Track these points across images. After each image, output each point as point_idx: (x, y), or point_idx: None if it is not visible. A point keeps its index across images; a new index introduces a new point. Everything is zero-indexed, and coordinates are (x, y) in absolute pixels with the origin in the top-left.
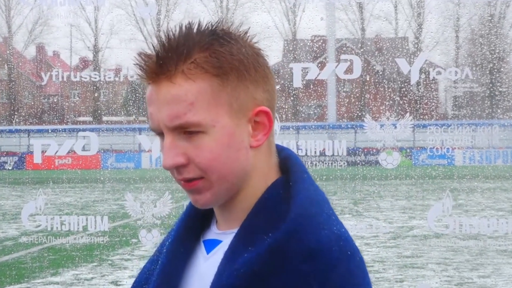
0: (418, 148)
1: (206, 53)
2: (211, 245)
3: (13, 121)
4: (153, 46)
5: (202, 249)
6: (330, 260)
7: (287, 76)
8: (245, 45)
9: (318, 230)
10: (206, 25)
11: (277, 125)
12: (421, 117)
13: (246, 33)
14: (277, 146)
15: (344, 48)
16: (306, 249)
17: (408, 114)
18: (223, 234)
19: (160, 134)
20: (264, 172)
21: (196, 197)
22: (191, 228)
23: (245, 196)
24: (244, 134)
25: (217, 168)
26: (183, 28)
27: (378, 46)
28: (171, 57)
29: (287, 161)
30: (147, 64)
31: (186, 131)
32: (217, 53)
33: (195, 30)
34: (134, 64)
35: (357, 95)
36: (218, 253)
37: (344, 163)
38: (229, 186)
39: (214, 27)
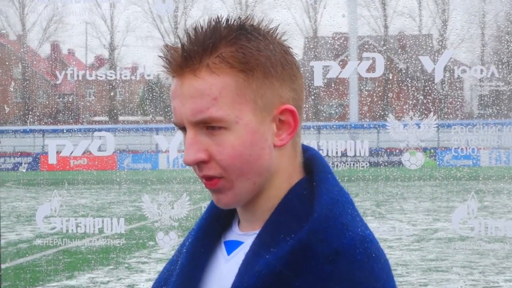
0: (443, 149)
1: (232, 48)
2: (233, 246)
3: (27, 121)
4: (179, 39)
5: (223, 250)
6: (354, 261)
7: (307, 74)
8: (273, 42)
9: (342, 231)
10: (234, 19)
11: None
12: (446, 116)
13: (275, 29)
14: (302, 146)
15: (366, 46)
16: (330, 250)
17: (432, 113)
18: (245, 235)
19: (183, 129)
20: (288, 173)
21: (219, 197)
22: (212, 229)
23: (268, 197)
24: (268, 132)
25: (238, 167)
26: (211, 21)
27: (401, 43)
28: (196, 50)
29: (312, 161)
30: (172, 57)
31: (209, 126)
32: (244, 48)
33: (223, 24)
34: (159, 56)
35: (380, 94)
36: (240, 255)
37: (366, 164)
38: (251, 186)
39: (242, 22)
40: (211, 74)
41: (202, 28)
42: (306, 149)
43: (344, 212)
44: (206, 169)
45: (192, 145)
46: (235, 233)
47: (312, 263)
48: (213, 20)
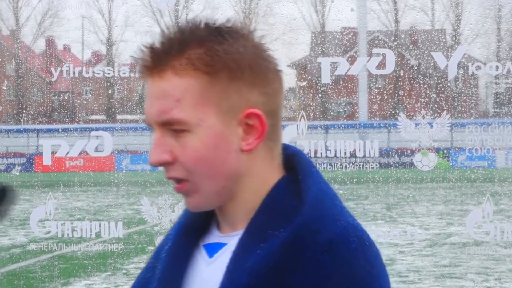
0: (456, 149)
1: (201, 50)
2: (214, 248)
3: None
4: (149, 44)
5: (202, 253)
6: (349, 249)
7: (314, 71)
8: (247, 45)
9: (335, 221)
10: (211, 22)
11: (304, 124)
12: (459, 115)
13: (253, 33)
14: (282, 145)
15: (376, 41)
16: (325, 240)
17: (445, 112)
18: (227, 237)
19: (153, 130)
20: (263, 176)
21: (187, 200)
22: (190, 233)
23: (245, 200)
24: (233, 136)
25: (203, 170)
26: (185, 23)
27: (413, 38)
28: (163, 51)
29: (293, 159)
30: (142, 58)
31: (173, 128)
32: (212, 51)
33: (200, 26)
34: (133, 57)
35: (390, 91)
36: (224, 256)
37: (376, 165)
38: (219, 189)
39: (218, 24)
40: (175, 75)
41: (173, 29)
42: (285, 148)
43: (333, 204)
44: (172, 171)
45: (158, 146)
46: (215, 236)
47: (307, 254)
48: (188, 21)
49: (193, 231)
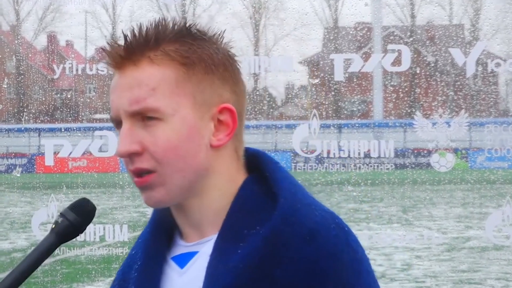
0: (475, 149)
1: (176, 44)
2: (184, 259)
3: (22, 119)
4: (123, 34)
5: (172, 266)
6: (330, 236)
7: (327, 68)
8: (218, 45)
9: (311, 211)
10: (180, 21)
11: (316, 123)
12: (478, 114)
13: (220, 34)
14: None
15: (392, 37)
16: (305, 231)
17: (463, 110)
18: (197, 245)
19: (118, 125)
20: (229, 175)
21: (149, 194)
22: (157, 247)
23: (213, 197)
24: (205, 130)
25: (173, 160)
26: (158, 21)
27: (429, 34)
28: (138, 42)
29: (256, 158)
30: (114, 50)
31: (145, 117)
32: (187, 44)
33: (169, 24)
34: (102, 49)
35: (406, 89)
36: (198, 263)
37: (391, 166)
38: (184, 184)
39: (188, 24)
40: (152, 65)
41: (146, 25)
42: (245, 150)
43: (306, 195)
44: (138, 162)
45: (127, 136)
46: (182, 247)
47: (290, 248)
48: (160, 19)
49: (158, 246)
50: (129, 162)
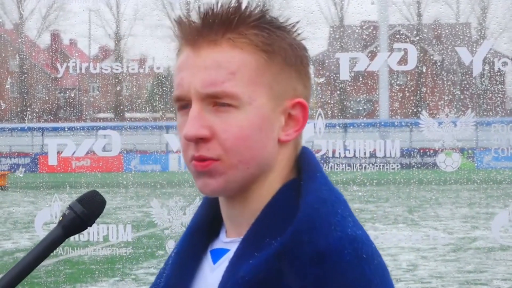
0: (482, 149)
1: (255, 30)
2: (219, 254)
3: (25, 118)
4: (199, 9)
5: (209, 259)
6: (341, 263)
7: (333, 67)
8: (295, 36)
9: (330, 232)
10: (255, 7)
11: (321, 122)
12: (485, 113)
13: (294, 25)
14: None
15: (398, 36)
16: (315, 252)
17: (470, 110)
18: (231, 243)
19: (185, 106)
20: (284, 172)
21: (207, 181)
22: (198, 238)
23: (259, 195)
24: (276, 123)
25: (242, 150)
26: (231, 2)
27: (436, 33)
28: (219, 22)
29: (301, 160)
30: (190, 25)
31: (217, 103)
32: (268, 31)
33: (246, 8)
34: (174, 21)
35: (412, 88)
36: (226, 263)
37: (397, 166)
38: (246, 176)
39: (264, 10)
40: (234, 47)
41: (223, 5)
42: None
43: (333, 212)
44: (204, 149)
45: (196, 119)
46: (221, 241)
47: (296, 266)
48: (234, 2)
49: (202, 236)
50: (193, 147)
